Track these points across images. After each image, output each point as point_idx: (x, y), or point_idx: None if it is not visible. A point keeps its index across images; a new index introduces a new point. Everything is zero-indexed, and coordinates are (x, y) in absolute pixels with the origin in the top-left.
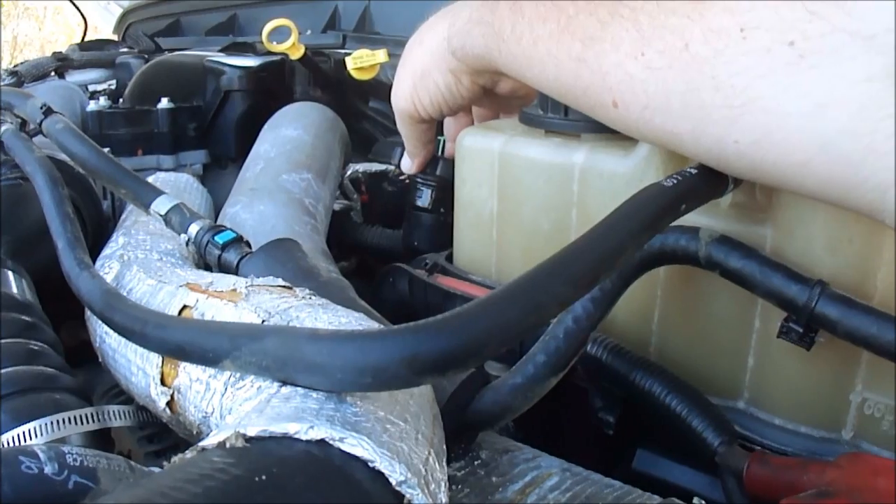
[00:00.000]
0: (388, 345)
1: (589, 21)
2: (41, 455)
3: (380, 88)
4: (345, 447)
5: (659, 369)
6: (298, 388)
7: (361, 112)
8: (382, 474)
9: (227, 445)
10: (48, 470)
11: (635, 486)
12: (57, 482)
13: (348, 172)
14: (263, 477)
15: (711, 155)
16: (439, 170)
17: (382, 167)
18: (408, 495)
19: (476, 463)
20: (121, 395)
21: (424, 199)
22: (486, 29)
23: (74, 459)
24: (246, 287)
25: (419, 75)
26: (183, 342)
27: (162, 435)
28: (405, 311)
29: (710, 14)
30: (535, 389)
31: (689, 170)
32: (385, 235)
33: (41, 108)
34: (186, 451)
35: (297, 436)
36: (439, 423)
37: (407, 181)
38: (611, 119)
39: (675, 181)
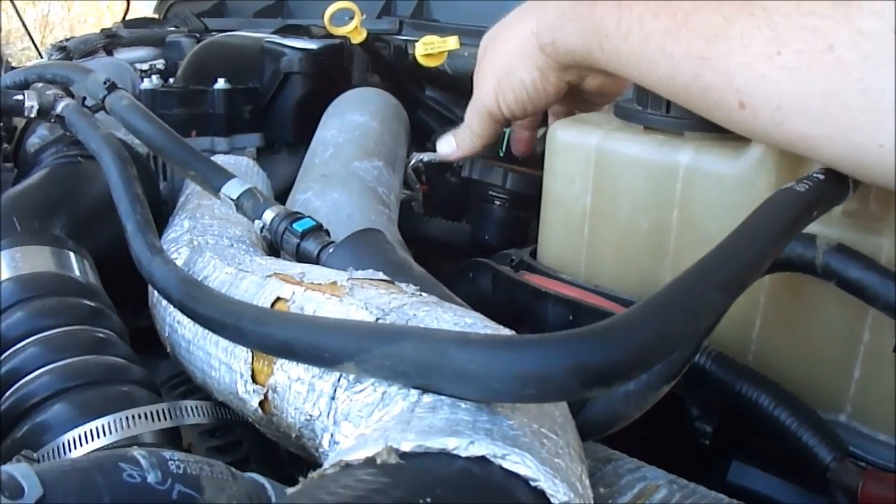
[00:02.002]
0: (554, 353)
1: (712, 18)
2: (143, 462)
3: (438, 77)
4: (506, 464)
5: (766, 380)
6: (443, 398)
7: (419, 100)
8: (544, 494)
9: (379, 462)
10: (151, 479)
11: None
12: (160, 492)
13: (410, 162)
14: (427, 500)
15: (847, 159)
16: (510, 183)
17: None
18: None
19: None
20: (180, 385)
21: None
22: (583, 24)
23: (177, 467)
24: (347, 280)
25: (503, 72)
26: (291, 340)
27: (224, 429)
28: (486, 308)
29: (857, 16)
30: (647, 397)
31: (816, 175)
32: (448, 228)
33: (104, 83)
34: (326, 467)
35: (455, 452)
36: (578, 435)
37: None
38: (733, 121)
39: (806, 186)
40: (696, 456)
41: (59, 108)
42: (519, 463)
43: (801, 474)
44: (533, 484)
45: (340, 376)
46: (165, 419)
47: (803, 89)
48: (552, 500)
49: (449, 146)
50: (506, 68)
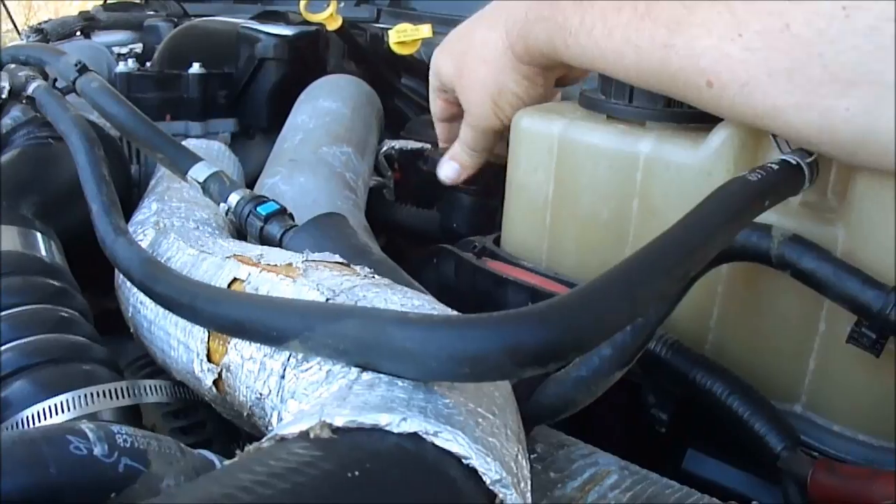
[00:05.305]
0: (489, 333)
1: (672, 7)
2: (90, 435)
3: (414, 65)
4: (438, 442)
5: (720, 369)
6: (381, 376)
7: (394, 88)
8: (476, 472)
9: (312, 436)
10: (98, 451)
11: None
12: (107, 465)
13: (383, 149)
14: (356, 473)
15: (815, 126)
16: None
17: (419, 145)
18: (501, 495)
19: (532, 457)
20: (146, 367)
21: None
22: (547, 25)
23: (125, 440)
24: (302, 262)
25: (496, 91)
26: (241, 319)
27: (188, 410)
28: (449, 294)
29: None
30: (598, 383)
31: (770, 165)
32: (419, 215)
33: (76, 65)
34: (262, 441)
35: (388, 428)
36: (519, 417)
37: None
38: (703, 99)
39: (759, 175)
40: (652, 443)
41: (29, 90)
42: (451, 441)
43: (755, 463)
44: (465, 462)
45: (290, 355)
46: (124, 397)
47: (767, 66)
48: (484, 478)
49: (453, 170)
50: (496, 86)
